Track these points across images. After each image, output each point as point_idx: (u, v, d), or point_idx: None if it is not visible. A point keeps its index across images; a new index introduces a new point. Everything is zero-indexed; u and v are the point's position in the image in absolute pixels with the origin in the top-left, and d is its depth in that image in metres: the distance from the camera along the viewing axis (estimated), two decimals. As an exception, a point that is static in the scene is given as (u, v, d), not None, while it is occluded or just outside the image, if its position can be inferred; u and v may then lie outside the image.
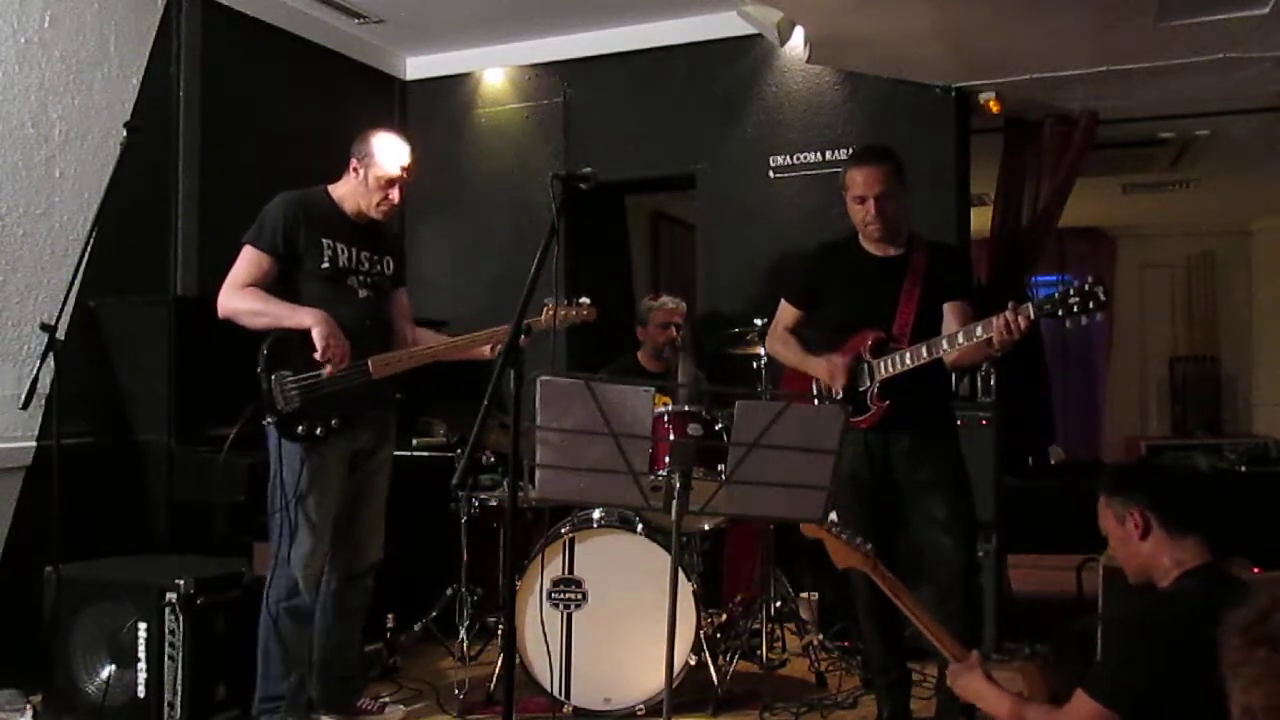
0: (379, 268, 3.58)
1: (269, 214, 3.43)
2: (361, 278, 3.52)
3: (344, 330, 3.35)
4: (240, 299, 3.38)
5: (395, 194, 3.51)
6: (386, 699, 3.82)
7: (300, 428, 3.30)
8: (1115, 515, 2.34)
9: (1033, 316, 3.02)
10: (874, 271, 3.42)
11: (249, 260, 3.40)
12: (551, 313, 3.41)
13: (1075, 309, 2.97)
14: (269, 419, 3.31)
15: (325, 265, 3.43)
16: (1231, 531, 2.35)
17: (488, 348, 3.55)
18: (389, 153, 3.48)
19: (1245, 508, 4.81)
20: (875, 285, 3.40)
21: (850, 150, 5.07)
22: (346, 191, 3.53)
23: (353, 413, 3.39)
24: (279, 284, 3.42)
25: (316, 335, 3.28)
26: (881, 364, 3.29)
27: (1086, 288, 2.97)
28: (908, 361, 3.24)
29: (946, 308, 3.36)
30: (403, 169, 3.50)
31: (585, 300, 3.58)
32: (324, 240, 3.44)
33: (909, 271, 3.39)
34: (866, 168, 3.37)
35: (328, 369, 3.30)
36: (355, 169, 3.50)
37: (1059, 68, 4.95)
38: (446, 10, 5.33)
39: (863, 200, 3.36)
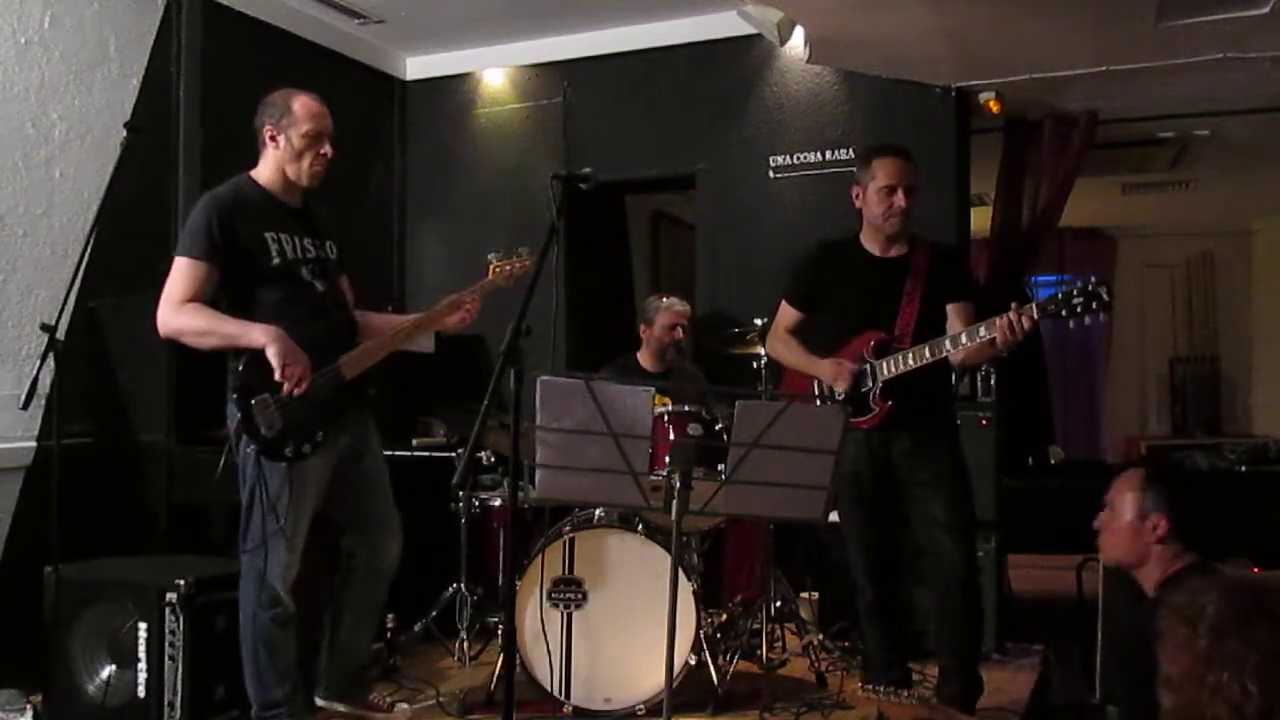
0: (324, 254, 3.33)
1: (196, 218, 3.15)
2: (311, 267, 3.27)
3: (310, 332, 3.17)
4: (182, 317, 3.11)
5: (327, 148, 3.23)
6: (391, 697, 3.82)
7: (287, 449, 3.15)
8: (1140, 506, 2.35)
9: (1036, 317, 3.02)
10: (876, 272, 3.42)
11: (184, 273, 3.11)
12: (498, 269, 3.41)
13: (1079, 309, 2.97)
14: (251, 446, 3.13)
15: (275, 261, 3.18)
16: (1232, 531, 2.36)
17: (453, 318, 3.42)
18: (308, 106, 3.22)
19: (1245, 508, 4.81)
20: (877, 286, 3.39)
21: (850, 150, 5.11)
22: (269, 170, 3.26)
23: (335, 421, 3.25)
24: (232, 293, 3.19)
25: (272, 355, 3.04)
26: (884, 365, 3.29)
27: (1090, 288, 2.97)
28: (910, 362, 3.23)
29: (950, 309, 3.37)
30: (327, 119, 3.24)
31: (524, 249, 3.49)
32: (267, 234, 3.18)
33: (911, 272, 3.38)
34: (901, 159, 3.36)
35: (294, 388, 3.08)
36: (273, 137, 3.22)
37: (1059, 68, 4.94)
38: (446, 10, 5.32)
39: (892, 190, 3.33)
